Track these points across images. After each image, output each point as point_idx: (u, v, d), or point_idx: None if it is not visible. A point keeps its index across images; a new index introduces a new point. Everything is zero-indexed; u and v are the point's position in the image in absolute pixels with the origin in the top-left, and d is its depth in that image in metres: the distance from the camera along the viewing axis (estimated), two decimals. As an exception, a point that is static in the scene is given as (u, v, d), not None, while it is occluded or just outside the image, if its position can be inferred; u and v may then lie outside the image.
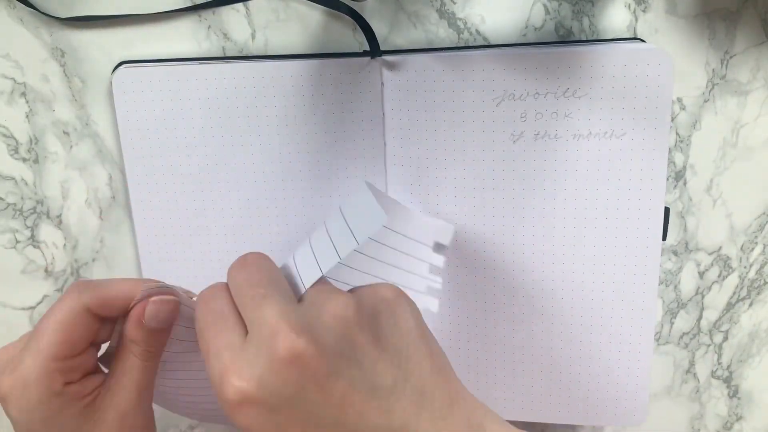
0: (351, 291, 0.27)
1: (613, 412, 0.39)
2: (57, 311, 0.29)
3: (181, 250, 0.39)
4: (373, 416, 0.23)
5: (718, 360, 0.42)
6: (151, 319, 0.29)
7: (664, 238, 0.38)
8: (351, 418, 0.23)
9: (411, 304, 0.27)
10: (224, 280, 0.29)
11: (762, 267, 0.40)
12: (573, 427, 0.43)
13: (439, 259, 0.34)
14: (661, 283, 0.40)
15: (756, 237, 0.40)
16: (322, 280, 0.26)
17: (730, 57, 0.36)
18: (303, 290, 0.26)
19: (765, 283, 0.40)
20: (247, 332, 0.24)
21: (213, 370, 0.24)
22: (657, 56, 0.34)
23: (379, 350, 0.24)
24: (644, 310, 0.38)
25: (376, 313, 0.26)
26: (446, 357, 0.27)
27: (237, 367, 0.23)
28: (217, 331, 0.25)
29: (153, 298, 0.30)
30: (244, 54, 0.37)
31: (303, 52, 0.37)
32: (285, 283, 0.26)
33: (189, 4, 0.36)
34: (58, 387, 0.28)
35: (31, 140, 0.38)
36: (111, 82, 0.36)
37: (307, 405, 0.23)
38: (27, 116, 0.38)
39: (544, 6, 0.36)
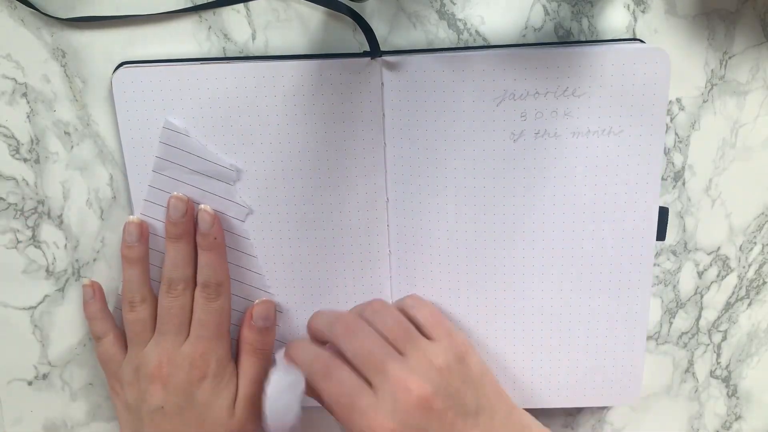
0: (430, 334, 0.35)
1: (608, 393, 0.40)
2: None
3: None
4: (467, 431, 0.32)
5: (716, 360, 0.42)
6: (259, 318, 0.38)
7: (663, 238, 0.38)
8: None
9: (475, 351, 0.36)
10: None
11: (761, 267, 0.40)
12: (567, 410, 0.43)
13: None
14: (660, 282, 0.40)
15: (755, 237, 0.40)
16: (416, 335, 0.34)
17: (729, 57, 0.36)
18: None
19: (764, 282, 0.41)
20: (371, 386, 0.32)
21: (360, 426, 0.31)
22: (653, 54, 0.34)
23: (465, 386, 0.33)
24: (639, 297, 0.38)
25: (459, 359, 0.34)
26: (496, 379, 0.36)
27: (382, 417, 0.31)
28: (352, 397, 0.32)
29: (257, 301, 0.38)
30: (244, 54, 0.37)
31: (303, 53, 0.37)
32: (385, 342, 0.33)
33: (189, 5, 0.36)
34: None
35: (32, 140, 0.38)
36: (112, 83, 0.37)
37: None
38: (28, 116, 0.38)
39: (544, 7, 0.36)
